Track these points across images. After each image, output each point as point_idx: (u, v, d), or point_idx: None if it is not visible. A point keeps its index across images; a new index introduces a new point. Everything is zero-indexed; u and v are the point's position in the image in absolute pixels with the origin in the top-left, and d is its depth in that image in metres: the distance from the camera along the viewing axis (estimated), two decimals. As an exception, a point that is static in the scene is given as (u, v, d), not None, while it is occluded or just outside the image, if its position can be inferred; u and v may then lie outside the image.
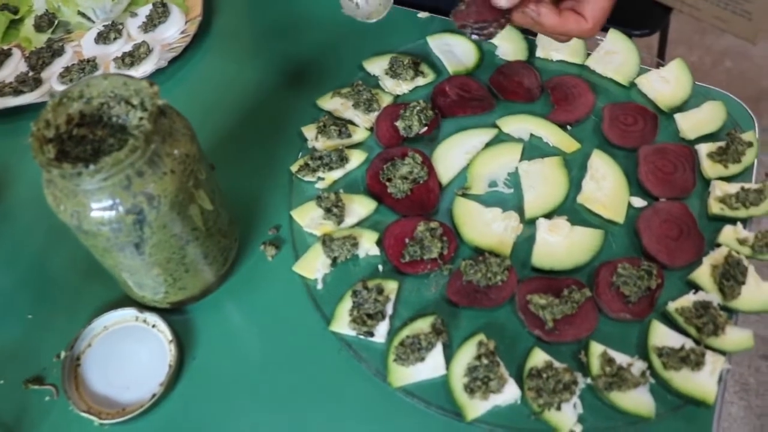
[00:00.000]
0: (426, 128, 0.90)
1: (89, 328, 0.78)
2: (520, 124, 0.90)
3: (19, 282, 0.84)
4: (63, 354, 0.76)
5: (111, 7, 1.08)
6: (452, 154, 0.88)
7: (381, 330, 0.75)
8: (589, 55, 0.97)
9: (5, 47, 1.06)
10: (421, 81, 0.96)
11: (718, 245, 0.80)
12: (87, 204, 0.64)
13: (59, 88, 0.99)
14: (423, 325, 0.75)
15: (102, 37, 1.05)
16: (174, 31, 1.06)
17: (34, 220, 0.89)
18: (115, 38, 1.05)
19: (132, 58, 1.00)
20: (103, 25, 1.06)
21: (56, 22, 1.10)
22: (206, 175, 0.72)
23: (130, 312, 0.79)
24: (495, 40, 0.99)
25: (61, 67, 1.02)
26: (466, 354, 0.73)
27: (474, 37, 0.79)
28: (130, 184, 0.64)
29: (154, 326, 0.79)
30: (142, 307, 0.79)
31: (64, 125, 0.68)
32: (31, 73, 1.00)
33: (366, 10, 0.85)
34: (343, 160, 0.87)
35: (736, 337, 0.73)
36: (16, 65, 1.04)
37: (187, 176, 0.68)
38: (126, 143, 0.72)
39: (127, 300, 0.80)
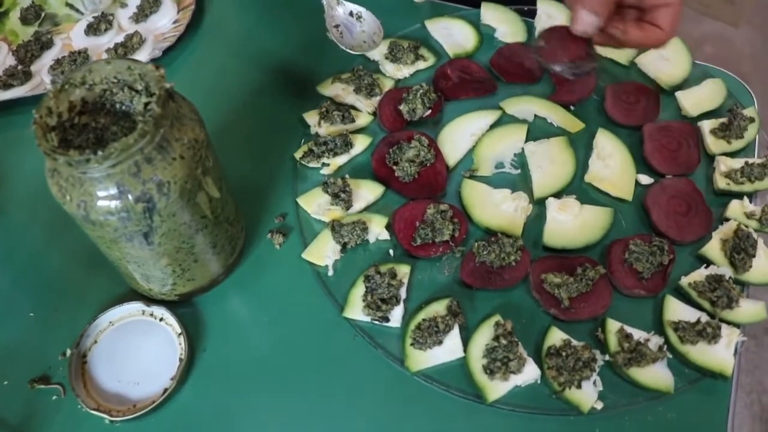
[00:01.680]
0: (430, 111, 0.89)
1: (94, 324, 0.76)
2: (524, 106, 0.90)
3: (18, 280, 0.82)
4: (69, 352, 0.74)
5: (100, -3, 1.06)
6: (458, 137, 0.87)
7: (396, 315, 0.74)
8: (588, 35, 0.97)
9: (-9, 41, 1.03)
10: (421, 65, 0.96)
11: (727, 219, 0.80)
12: (94, 193, 0.62)
13: (50, 80, 0.97)
14: (439, 308, 0.74)
15: (92, 29, 1.03)
16: (166, 20, 1.04)
17: (30, 215, 0.87)
18: (105, 29, 1.03)
19: (125, 48, 0.98)
20: (93, 17, 1.04)
21: (43, 15, 1.07)
22: (213, 162, 0.71)
23: (136, 306, 0.77)
24: (494, 23, 0.99)
25: (51, 59, 0.99)
26: (484, 335, 0.72)
27: (571, 77, 0.79)
28: (139, 171, 0.62)
29: (161, 320, 0.77)
30: (149, 300, 0.77)
31: (67, 113, 0.66)
32: (20, 67, 0.98)
33: (349, 42, 0.86)
34: (347, 145, 0.86)
35: (749, 309, 0.74)
36: (4, 59, 1.01)
37: (196, 162, 0.66)
38: (130, 130, 0.71)
39: (132, 294, 0.79)
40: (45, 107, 0.64)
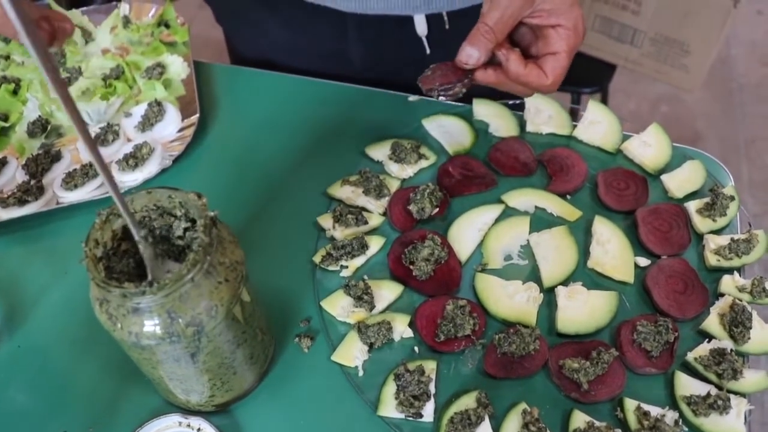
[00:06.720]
0: (437, 209, 0.94)
1: (132, 439, 0.78)
2: (524, 198, 0.96)
3: (48, 399, 0.82)
4: (109, 469, 0.75)
5: (105, 109, 1.09)
6: (466, 232, 0.92)
7: (428, 409, 0.78)
8: (575, 126, 1.05)
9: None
10: (424, 163, 1.01)
11: (721, 294, 0.87)
12: (145, 321, 0.65)
13: (63, 194, 0.99)
14: (468, 400, 0.78)
15: (99, 140, 1.06)
16: (172, 129, 1.07)
17: (52, 334, 0.88)
18: (113, 140, 1.06)
19: (135, 159, 1.01)
20: (99, 127, 1.07)
21: (49, 127, 1.09)
22: (246, 273, 0.74)
23: (173, 418, 0.79)
24: (486, 119, 1.05)
25: (63, 172, 1.01)
26: (513, 423, 0.76)
27: (441, 98, 0.85)
28: (189, 297, 0.65)
29: (199, 430, 0.79)
30: (185, 411, 0.79)
31: (110, 242, 0.70)
32: (32, 182, 0.99)
33: None
34: (363, 247, 0.90)
35: (753, 379, 0.80)
36: (13, 173, 1.03)
37: (238, 283, 0.69)
38: (167, 253, 0.74)
39: (166, 405, 0.80)
40: (93, 239, 0.67)
